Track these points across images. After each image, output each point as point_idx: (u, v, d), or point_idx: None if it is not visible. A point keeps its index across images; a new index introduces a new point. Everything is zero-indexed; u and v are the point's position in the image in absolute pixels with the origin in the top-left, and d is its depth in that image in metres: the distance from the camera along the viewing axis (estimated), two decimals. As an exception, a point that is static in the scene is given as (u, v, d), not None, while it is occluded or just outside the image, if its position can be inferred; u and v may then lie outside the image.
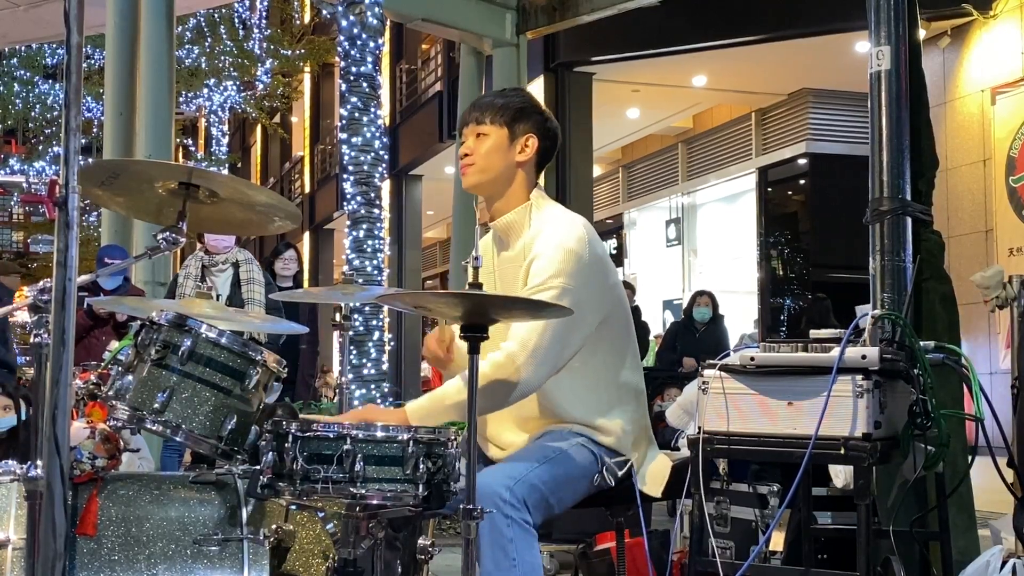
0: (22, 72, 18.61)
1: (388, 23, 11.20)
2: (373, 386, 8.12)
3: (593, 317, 2.68)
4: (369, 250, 8.39)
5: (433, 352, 2.86)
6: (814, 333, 2.91)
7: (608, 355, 2.76)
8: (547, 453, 2.63)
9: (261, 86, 19.99)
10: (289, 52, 19.24)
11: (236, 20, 18.69)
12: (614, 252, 15.63)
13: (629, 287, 9.70)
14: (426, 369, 16.99)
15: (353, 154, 8.45)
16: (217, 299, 5.86)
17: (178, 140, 21.42)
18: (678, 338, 9.46)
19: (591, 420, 2.71)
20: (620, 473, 2.70)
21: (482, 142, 2.77)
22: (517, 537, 2.46)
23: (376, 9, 8.59)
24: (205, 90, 19.76)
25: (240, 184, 2.63)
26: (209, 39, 18.27)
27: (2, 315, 2.71)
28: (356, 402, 7.34)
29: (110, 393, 2.54)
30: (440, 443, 2.28)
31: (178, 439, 2.54)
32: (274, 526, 2.57)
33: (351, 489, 2.20)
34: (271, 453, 2.25)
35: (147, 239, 7.16)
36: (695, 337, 9.31)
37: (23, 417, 4.98)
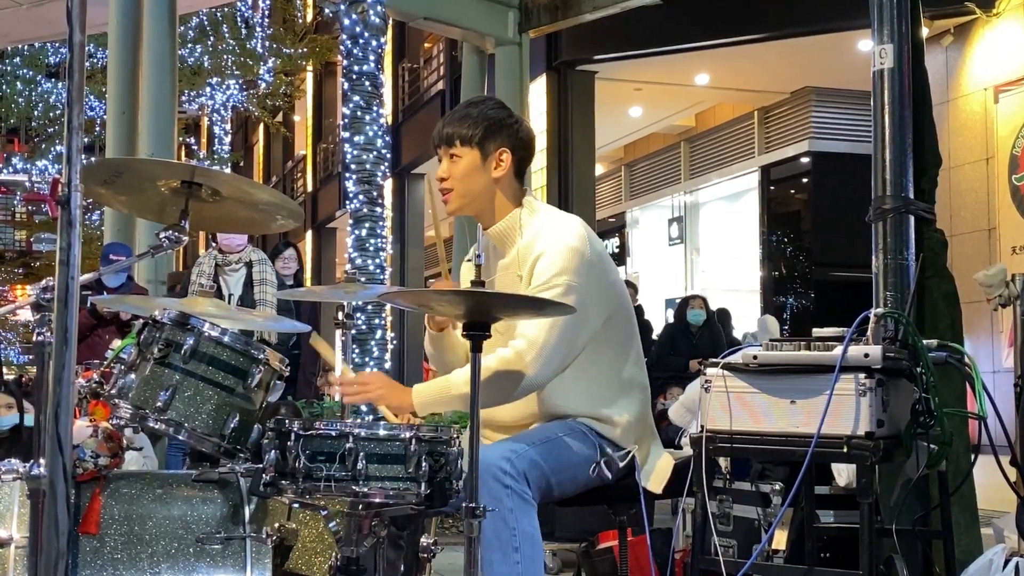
0: (25, 71, 18.62)
1: (390, 22, 11.21)
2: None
3: (598, 314, 2.69)
4: (371, 249, 8.40)
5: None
6: (817, 331, 2.91)
7: (613, 352, 2.76)
8: (548, 435, 2.65)
9: (263, 85, 20.00)
10: (291, 51, 19.25)
11: (238, 19, 18.70)
12: (616, 251, 15.61)
13: (631, 286, 9.68)
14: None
15: (355, 153, 8.46)
16: (229, 299, 5.86)
17: (180, 139, 21.41)
18: (675, 342, 9.43)
19: (596, 413, 2.72)
20: (621, 465, 2.70)
21: (456, 164, 2.77)
22: (516, 507, 2.47)
23: (378, 8, 8.60)
24: (208, 89, 19.77)
25: (242, 183, 2.63)
26: (211, 38, 18.28)
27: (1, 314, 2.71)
28: (358, 401, 7.32)
29: (113, 391, 2.54)
30: (442, 441, 2.28)
31: (181, 437, 2.54)
32: (277, 524, 2.57)
33: (353, 487, 2.20)
34: (274, 451, 2.25)
35: (150, 238, 7.16)
36: (692, 342, 9.29)
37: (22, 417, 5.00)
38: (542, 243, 2.66)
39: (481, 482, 2.27)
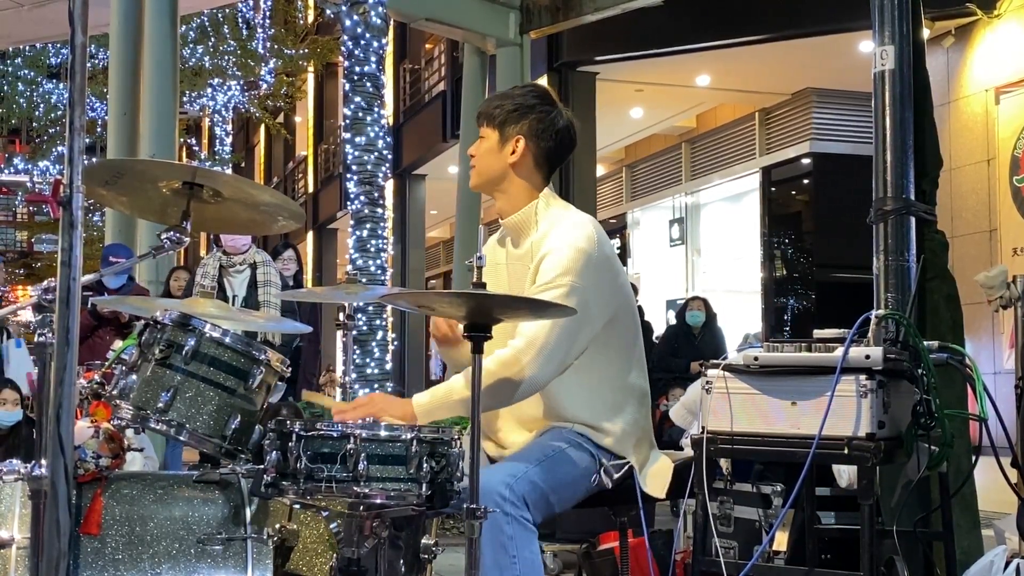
0: (26, 72, 18.63)
1: (392, 23, 11.22)
2: (377, 386, 8.14)
3: (600, 316, 2.68)
4: (372, 250, 8.40)
5: (442, 330, 2.84)
6: (818, 333, 2.91)
7: (614, 356, 2.75)
8: (547, 452, 2.63)
9: (265, 86, 20.01)
10: (292, 52, 19.26)
11: (240, 20, 18.71)
12: (617, 252, 15.55)
13: (632, 287, 9.65)
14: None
15: (356, 154, 8.47)
16: (233, 300, 5.87)
17: (182, 140, 21.42)
18: (677, 343, 9.43)
19: (593, 421, 2.71)
20: (617, 475, 2.70)
21: (481, 144, 2.80)
22: (517, 534, 2.46)
23: (380, 9, 8.61)
24: (209, 90, 19.78)
25: (244, 183, 2.64)
26: (213, 39, 18.29)
27: (3, 315, 2.72)
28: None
29: (114, 392, 2.54)
30: (443, 442, 2.28)
31: (182, 439, 2.54)
32: (278, 525, 2.57)
33: (354, 488, 2.20)
34: (275, 452, 2.25)
35: (151, 238, 7.17)
36: (694, 344, 9.29)
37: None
38: (550, 242, 2.66)
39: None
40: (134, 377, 2.53)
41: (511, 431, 2.77)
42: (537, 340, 2.55)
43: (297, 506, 2.60)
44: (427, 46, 17.39)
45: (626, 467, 2.71)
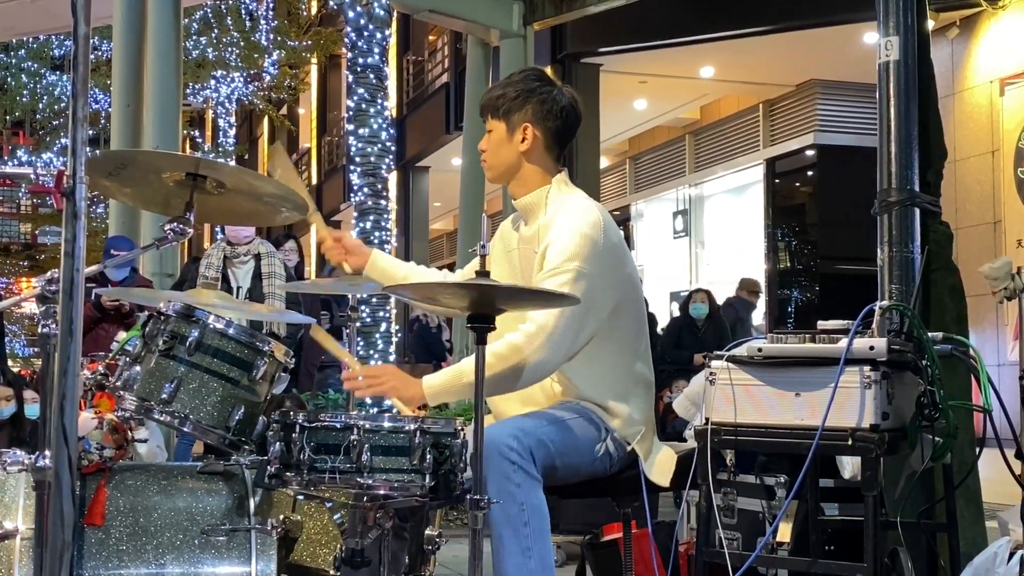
0: (30, 64, 18.63)
1: (395, 14, 11.20)
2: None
3: (607, 303, 2.69)
4: (376, 241, 8.41)
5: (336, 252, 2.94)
6: (822, 324, 2.91)
7: (620, 344, 2.77)
8: (555, 416, 2.66)
9: (268, 78, 20.00)
10: (296, 44, 19.25)
11: (243, 11, 18.69)
12: (621, 244, 15.53)
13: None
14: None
15: (360, 146, 8.47)
16: (237, 291, 5.86)
17: (185, 132, 21.38)
18: (680, 335, 9.43)
19: (601, 401, 2.73)
20: (623, 453, 2.71)
21: (489, 137, 2.83)
22: (523, 482, 2.47)
23: (383, 0, 8.60)
24: (212, 82, 19.78)
25: (247, 175, 2.63)
26: (216, 31, 18.27)
27: (6, 306, 2.72)
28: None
29: (118, 383, 2.55)
30: (447, 433, 2.28)
31: (186, 429, 2.55)
32: (282, 516, 2.58)
33: (358, 479, 2.20)
34: (278, 443, 2.25)
35: (154, 230, 7.17)
36: (697, 336, 9.29)
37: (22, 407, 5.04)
38: (555, 228, 2.68)
39: (488, 459, 2.27)
40: (138, 368, 2.53)
41: (515, 410, 2.77)
42: (547, 325, 2.56)
43: (301, 497, 2.60)
44: (430, 38, 17.38)
45: (629, 451, 2.72)
